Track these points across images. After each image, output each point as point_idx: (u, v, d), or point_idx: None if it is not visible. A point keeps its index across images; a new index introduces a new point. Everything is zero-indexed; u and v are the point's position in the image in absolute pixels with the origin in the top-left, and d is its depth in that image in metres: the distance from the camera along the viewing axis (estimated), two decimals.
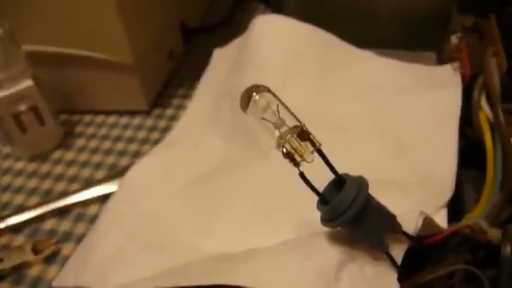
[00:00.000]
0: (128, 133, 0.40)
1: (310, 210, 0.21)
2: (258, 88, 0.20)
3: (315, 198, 0.20)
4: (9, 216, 0.32)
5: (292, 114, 0.19)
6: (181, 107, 0.41)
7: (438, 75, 0.31)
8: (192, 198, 0.29)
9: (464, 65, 0.31)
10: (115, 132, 0.40)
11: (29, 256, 0.29)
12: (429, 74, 0.32)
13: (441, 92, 0.30)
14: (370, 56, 0.34)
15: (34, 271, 0.29)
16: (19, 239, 0.32)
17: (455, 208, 0.25)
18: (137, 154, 0.37)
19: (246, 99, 0.20)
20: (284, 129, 0.19)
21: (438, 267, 0.21)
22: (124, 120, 0.41)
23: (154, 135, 0.39)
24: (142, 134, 0.39)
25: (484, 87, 0.28)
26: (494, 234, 0.22)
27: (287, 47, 0.34)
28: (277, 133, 0.19)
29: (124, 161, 0.37)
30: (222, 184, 0.29)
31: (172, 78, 0.45)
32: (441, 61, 0.35)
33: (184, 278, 0.22)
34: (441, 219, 0.23)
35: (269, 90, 0.20)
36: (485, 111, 0.27)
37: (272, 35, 0.34)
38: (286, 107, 0.19)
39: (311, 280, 0.19)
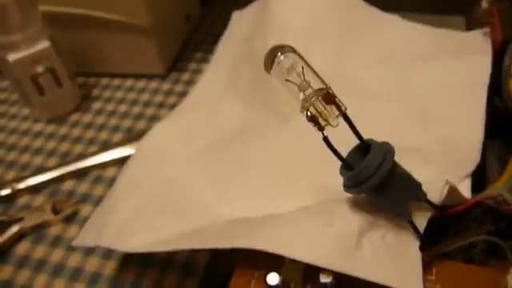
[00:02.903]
0: (145, 96, 0.39)
1: (329, 176, 0.20)
2: (282, 48, 0.19)
3: (335, 164, 0.20)
4: (28, 176, 0.33)
5: (318, 76, 0.19)
6: (198, 71, 0.41)
7: (467, 41, 0.30)
8: (210, 163, 0.29)
9: (495, 30, 0.29)
10: (132, 95, 0.39)
11: (49, 216, 0.30)
12: (457, 40, 0.31)
13: (469, 59, 0.28)
14: (396, 20, 0.33)
15: (53, 230, 0.30)
16: (39, 199, 0.32)
17: (479, 178, 0.24)
18: (153, 118, 0.37)
19: (270, 60, 0.19)
20: (309, 91, 0.18)
21: (459, 237, 0.21)
22: (141, 84, 0.40)
23: (171, 99, 0.38)
24: (158, 98, 0.39)
25: None
26: None
27: (310, 10, 0.33)
28: (301, 95, 0.18)
29: (140, 124, 0.37)
30: (241, 149, 0.29)
31: (189, 41, 0.44)
32: (470, 26, 0.34)
33: (201, 240, 0.22)
34: (464, 189, 0.23)
35: (294, 51, 0.19)
36: None
37: None
38: (312, 69, 0.19)
39: (332, 246, 0.19)
